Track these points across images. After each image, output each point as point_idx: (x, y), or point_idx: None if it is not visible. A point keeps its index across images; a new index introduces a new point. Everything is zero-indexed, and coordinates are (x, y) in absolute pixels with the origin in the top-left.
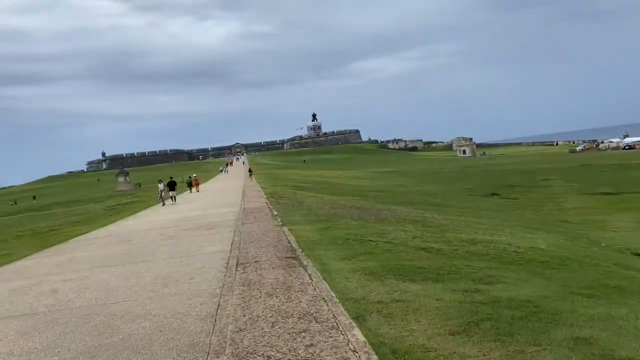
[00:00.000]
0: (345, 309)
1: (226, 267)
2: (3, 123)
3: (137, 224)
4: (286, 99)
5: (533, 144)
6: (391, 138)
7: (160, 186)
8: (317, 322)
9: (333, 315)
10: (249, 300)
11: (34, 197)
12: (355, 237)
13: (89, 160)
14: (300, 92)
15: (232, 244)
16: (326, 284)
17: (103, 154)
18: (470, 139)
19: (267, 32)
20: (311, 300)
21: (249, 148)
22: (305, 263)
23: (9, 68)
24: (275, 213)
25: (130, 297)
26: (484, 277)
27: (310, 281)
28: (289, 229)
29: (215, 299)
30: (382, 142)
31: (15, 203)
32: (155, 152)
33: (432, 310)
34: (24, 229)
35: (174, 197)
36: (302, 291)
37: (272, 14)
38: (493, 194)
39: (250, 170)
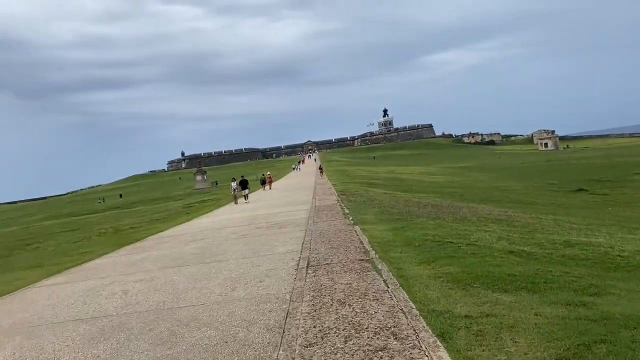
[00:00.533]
0: (427, 324)
1: (296, 269)
2: (91, 126)
3: (211, 222)
4: (357, 95)
5: (622, 135)
6: (466, 132)
7: (233, 185)
8: (395, 338)
9: (414, 331)
10: (320, 309)
11: (121, 195)
12: (433, 238)
13: (170, 159)
14: (371, 87)
15: (302, 244)
16: (404, 293)
17: (182, 154)
18: (553, 131)
19: (337, 29)
20: (388, 312)
21: (320, 145)
22: (379, 267)
23: (95, 74)
24: (347, 211)
25: (198, 301)
26: (587, 287)
27: (386, 288)
28: (361, 229)
29: (285, 306)
30: (456, 136)
31: (103, 201)
32: (231, 151)
33: (530, 328)
34: (108, 226)
35: (247, 195)
36: (378, 300)
37: (341, 10)
38: (580, 190)
39: (321, 168)
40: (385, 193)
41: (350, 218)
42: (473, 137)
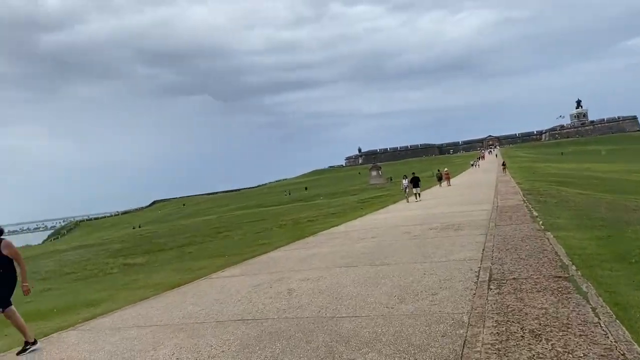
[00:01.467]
0: None
1: (476, 283)
2: (278, 125)
3: (383, 219)
4: (543, 86)
5: None
6: None
7: (404, 182)
8: None
9: None
10: (507, 340)
11: (306, 188)
12: None
13: (347, 155)
14: (560, 77)
15: (483, 251)
16: (623, 329)
17: (359, 150)
18: None
19: (523, 17)
20: (604, 356)
21: (502, 140)
22: (584, 288)
23: (283, 76)
24: (535, 214)
25: (362, 311)
26: None
27: (596, 320)
28: (554, 236)
29: (461, 331)
30: None
31: (289, 194)
32: (406, 147)
33: None
34: (288, 218)
35: (418, 194)
36: (586, 336)
37: None
38: None
39: (503, 164)
40: (581, 194)
41: (540, 222)
42: None
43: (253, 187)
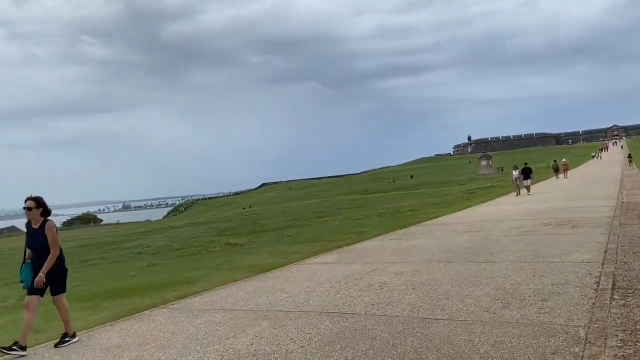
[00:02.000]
0: None
1: (595, 290)
2: (385, 111)
3: (491, 211)
4: None
5: None
6: None
7: (515, 173)
8: None
9: None
10: None
11: (411, 177)
12: None
13: (455, 143)
14: None
15: (605, 253)
16: None
17: (469, 138)
18: None
19: None
20: None
21: (629, 131)
22: None
23: (392, 62)
24: None
25: (458, 315)
26: None
27: None
28: None
29: (577, 349)
30: None
31: (393, 181)
32: (520, 135)
33: None
34: (390, 206)
35: (528, 187)
36: None
37: None
38: None
39: (629, 156)
40: None
41: None
42: None
43: (357, 174)
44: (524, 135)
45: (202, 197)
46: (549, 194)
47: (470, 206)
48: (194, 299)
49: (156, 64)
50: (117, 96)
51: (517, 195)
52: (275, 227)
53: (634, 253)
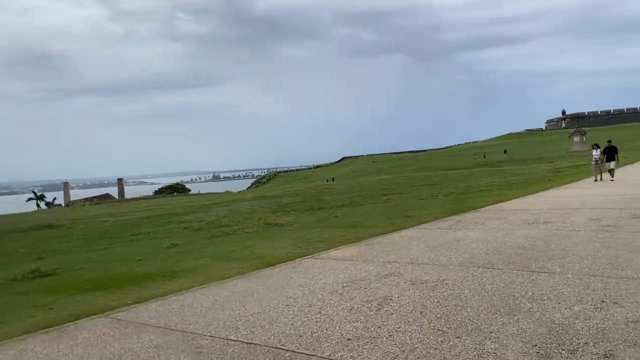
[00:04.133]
0: None
1: None
2: (475, 84)
3: (570, 196)
4: None
5: None
6: None
7: (596, 153)
8: None
9: None
10: None
11: (505, 151)
12: None
13: (548, 118)
14: None
15: None
16: None
17: (563, 112)
18: None
19: None
20: None
21: None
22: None
23: (484, 32)
24: None
25: None
26: None
27: None
28: None
29: None
30: None
31: (481, 156)
32: (622, 110)
33: None
34: (462, 185)
35: (612, 170)
36: None
37: None
38: None
39: None
40: None
41: None
42: None
43: (442, 148)
44: (627, 109)
45: (286, 169)
46: None
47: (549, 188)
48: (146, 306)
49: (246, 39)
50: (210, 70)
51: (595, 180)
52: (334, 205)
53: None
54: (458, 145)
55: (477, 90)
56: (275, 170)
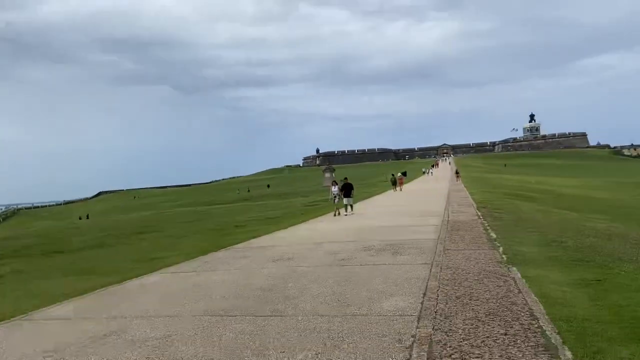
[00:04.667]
0: None
1: None
2: (238, 120)
3: (315, 230)
4: (500, 99)
5: None
6: (627, 143)
7: (334, 189)
8: None
9: None
10: None
11: (268, 186)
12: None
13: (305, 156)
14: (516, 91)
15: (424, 296)
16: None
17: (317, 151)
18: None
19: (486, 30)
20: None
21: (456, 149)
22: None
23: (246, 72)
24: (493, 235)
25: None
26: None
27: None
28: (522, 276)
29: None
30: (614, 147)
31: (248, 190)
32: (364, 150)
33: None
34: (222, 220)
35: (350, 206)
36: None
37: (493, 11)
38: None
39: (457, 172)
40: (539, 210)
41: (500, 249)
42: (635, 149)
43: (207, 183)
44: (368, 149)
45: (31, 205)
46: (380, 209)
47: (301, 222)
48: None
49: None
50: None
51: (334, 215)
52: (79, 247)
53: (457, 298)
54: (224, 179)
55: (243, 126)
56: (15, 206)
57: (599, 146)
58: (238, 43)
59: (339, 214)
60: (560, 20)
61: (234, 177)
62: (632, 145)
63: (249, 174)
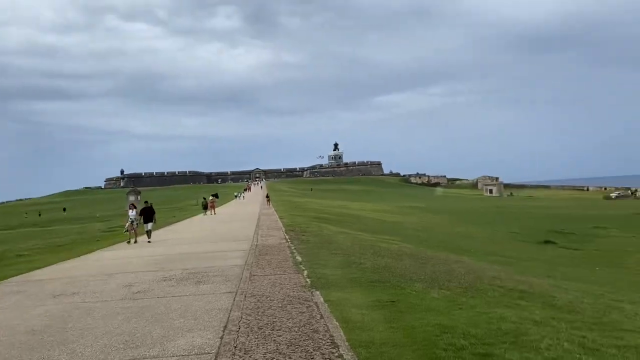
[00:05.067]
0: None
1: None
2: (30, 136)
3: (111, 259)
4: (309, 128)
5: (563, 187)
6: (413, 172)
7: (132, 214)
8: None
9: None
10: None
11: (64, 209)
12: (469, 341)
13: (108, 177)
14: (324, 121)
15: (224, 329)
16: None
17: (121, 172)
18: (497, 178)
19: (296, 62)
20: None
21: (268, 174)
22: None
23: (41, 83)
24: (299, 258)
25: None
26: None
27: None
28: (325, 300)
29: None
30: (404, 175)
31: (40, 214)
32: (174, 172)
33: None
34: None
35: (150, 232)
36: None
37: (302, 45)
38: (547, 242)
39: (267, 197)
40: (342, 232)
41: (305, 272)
42: (420, 177)
43: None
44: (178, 172)
45: None
46: (186, 235)
47: (95, 250)
48: None
49: None
50: None
51: (128, 242)
52: None
53: (259, 329)
54: (10, 202)
55: (36, 142)
56: None
57: (391, 174)
58: (34, 51)
59: (136, 241)
60: (361, 59)
61: (22, 200)
62: (417, 174)
63: (42, 195)
